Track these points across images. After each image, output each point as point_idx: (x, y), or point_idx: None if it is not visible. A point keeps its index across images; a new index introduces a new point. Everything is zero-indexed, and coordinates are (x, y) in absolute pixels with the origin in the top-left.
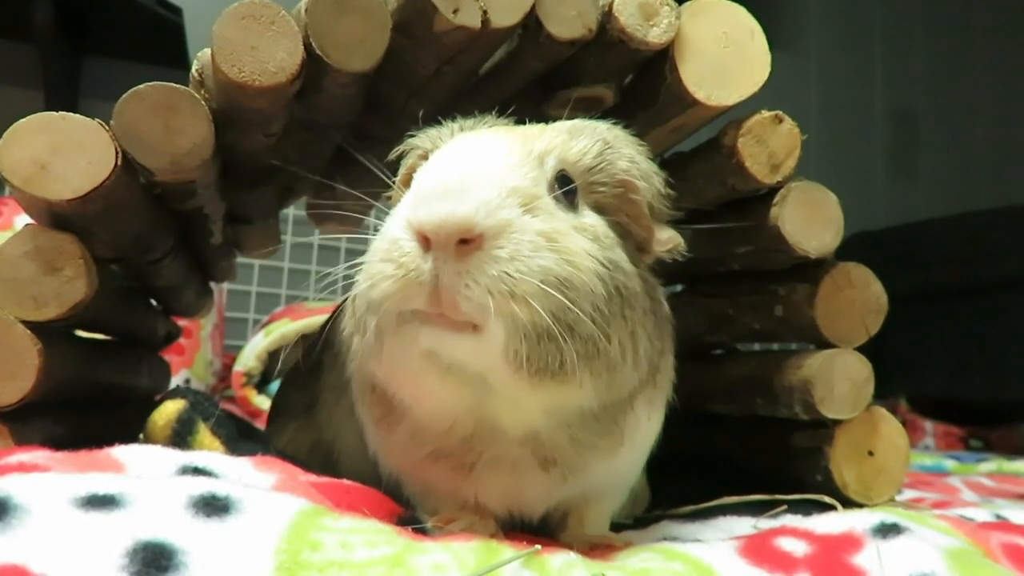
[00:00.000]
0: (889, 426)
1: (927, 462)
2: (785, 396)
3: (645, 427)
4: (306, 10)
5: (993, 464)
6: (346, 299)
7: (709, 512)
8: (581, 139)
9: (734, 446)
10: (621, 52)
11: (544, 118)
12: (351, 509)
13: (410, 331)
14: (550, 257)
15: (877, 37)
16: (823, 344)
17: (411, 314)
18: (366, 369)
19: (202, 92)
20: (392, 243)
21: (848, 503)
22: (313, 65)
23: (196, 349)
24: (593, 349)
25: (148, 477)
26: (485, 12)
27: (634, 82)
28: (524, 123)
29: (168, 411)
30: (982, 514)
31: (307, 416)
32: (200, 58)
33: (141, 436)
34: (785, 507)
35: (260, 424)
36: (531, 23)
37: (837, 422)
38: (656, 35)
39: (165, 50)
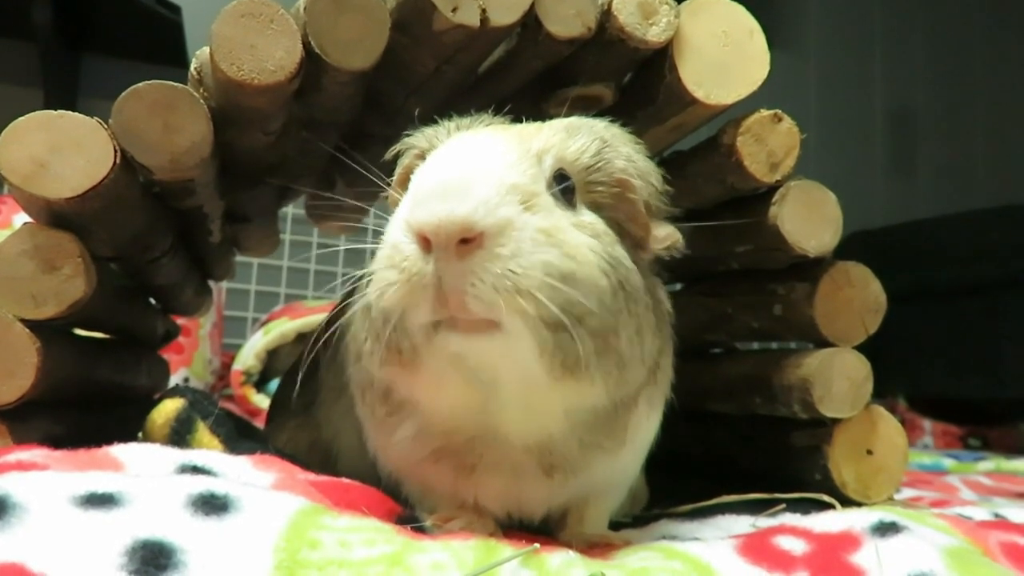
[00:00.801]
0: (888, 425)
1: (926, 461)
2: (784, 395)
3: (645, 426)
4: (305, 8)
5: (992, 463)
6: (347, 299)
7: (708, 511)
8: (579, 137)
9: (733, 445)
10: (620, 51)
11: (543, 116)
12: (350, 508)
13: (440, 342)
14: (552, 252)
15: (876, 36)
16: (822, 343)
17: (436, 326)
18: (370, 371)
19: (201, 90)
20: (394, 248)
21: (847, 502)
22: (312, 63)
23: (195, 348)
24: (603, 344)
25: (147, 476)
26: (484, 11)
27: (633, 81)
28: (523, 122)
29: (167, 410)
30: (981, 513)
31: (306, 415)
32: (199, 56)
33: (140, 435)
34: (784, 506)
35: (259, 423)
36: (530, 22)
37: (836, 421)
38: (655, 34)
39: (164, 48)
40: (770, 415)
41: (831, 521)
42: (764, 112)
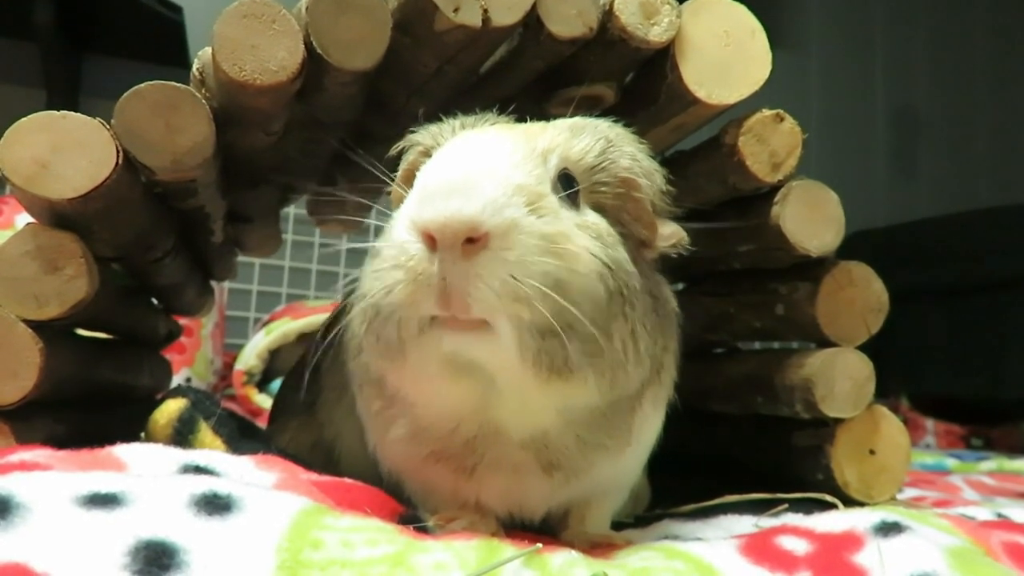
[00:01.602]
0: (890, 425)
1: (928, 461)
2: (786, 395)
3: (649, 425)
4: (307, 9)
5: (994, 463)
6: (348, 298)
7: (710, 511)
8: (583, 137)
9: (735, 445)
10: (622, 51)
11: (545, 117)
12: (352, 508)
13: (432, 338)
14: (553, 262)
15: (878, 36)
16: (824, 343)
17: (430, 321)
18: (366, 365)
19: (203, 91)
20: (399, 248)
21: (849, 502)
22: (314, 64)
23: (197, 348)
24: (595, 347)
25: (149, 476)
26: (486, 11)
27: (635, 81)
28: (525, 122)
29: (169, 410)
30: (983, 513)
31: (308, 415)
32: (201, 57)
33: (142, 435)
34: (786, 506)
35: (261, 423)
36: (532, 22)
37: (838, 421)
38: (657, 34)
39: (166, 49)
40: (772, 415)
41: (833, 521)
42: (766, 112)
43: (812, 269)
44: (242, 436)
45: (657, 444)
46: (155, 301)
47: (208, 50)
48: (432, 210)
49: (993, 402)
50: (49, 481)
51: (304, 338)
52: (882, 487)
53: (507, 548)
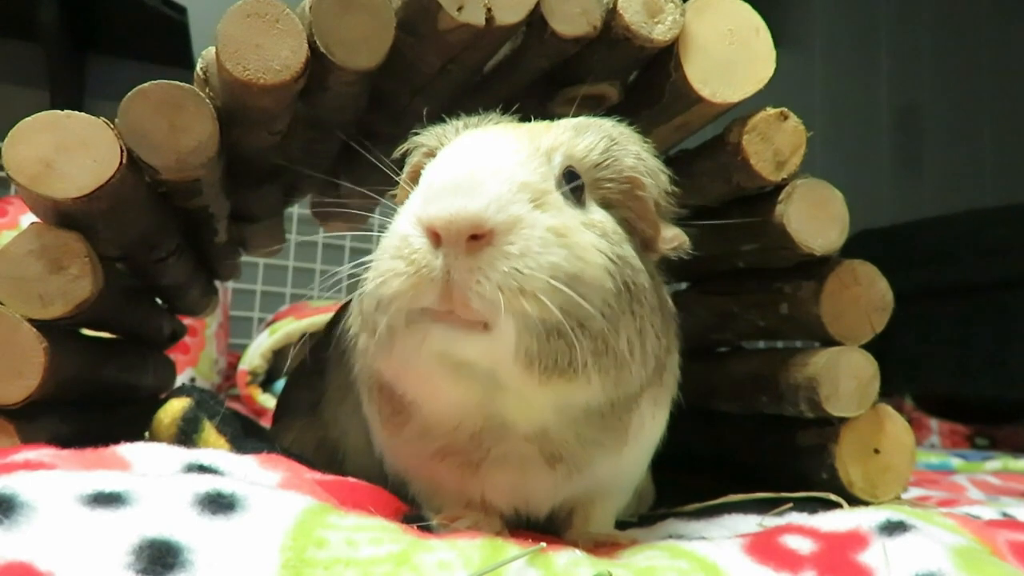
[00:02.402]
0: (895, 424)
1: (933, 460)
2: (790, 394)
3: (650, 425)
4: (310, 8)
5: (999, 462)
6: (352, 297)
7: (714, 510)
8: (587, 136)
9: (739, 444)
10: (626, 49)
11: (548, 116)
12: (357, 507)
13: (420, 330)
14: (560, 253)
15: (882, 34)
16: (828, 342)
17: (421, 313)
18: (373, 368)
19: (207, 90)
20: (402, 240)
21: (854, 501)
22: (317, 63)
23: (201, 348)
24: (602, 345)
25: (154, 475)
26: (489, 10)
27: (639, 79)
28: (530, 121)
29: (173, 409)
30: (988, 512)
31: (313, 414)
32: (204, 56)
33: (146, 434)
34: (791, 505)
35: (265, 423)
36: (535, 21)
37: (843, 420)
38: (661, 32)
39: (169, 49)
40: (777, 414)
41: (838, 520)
42: (770, 110)
43: (816, 268)
44: (246, 435)
45: (661, 443)
46: (159, 301)
47: (212, 49)
48: (438, 207)
49: (998, 402)
50: (53, 480)
51: (309, 338)
52: (887, 486)
53: (511, 547)
